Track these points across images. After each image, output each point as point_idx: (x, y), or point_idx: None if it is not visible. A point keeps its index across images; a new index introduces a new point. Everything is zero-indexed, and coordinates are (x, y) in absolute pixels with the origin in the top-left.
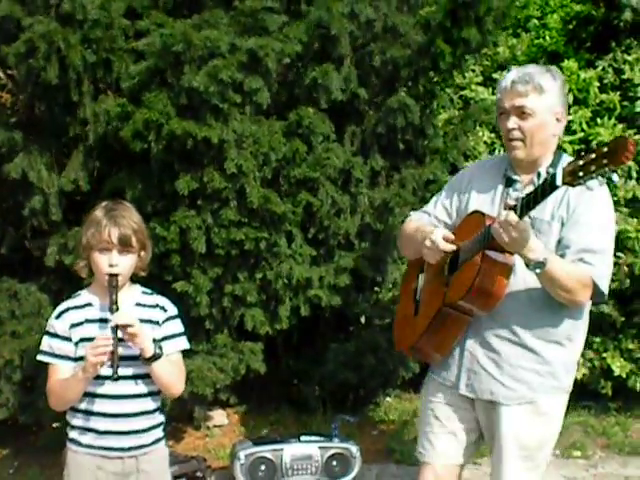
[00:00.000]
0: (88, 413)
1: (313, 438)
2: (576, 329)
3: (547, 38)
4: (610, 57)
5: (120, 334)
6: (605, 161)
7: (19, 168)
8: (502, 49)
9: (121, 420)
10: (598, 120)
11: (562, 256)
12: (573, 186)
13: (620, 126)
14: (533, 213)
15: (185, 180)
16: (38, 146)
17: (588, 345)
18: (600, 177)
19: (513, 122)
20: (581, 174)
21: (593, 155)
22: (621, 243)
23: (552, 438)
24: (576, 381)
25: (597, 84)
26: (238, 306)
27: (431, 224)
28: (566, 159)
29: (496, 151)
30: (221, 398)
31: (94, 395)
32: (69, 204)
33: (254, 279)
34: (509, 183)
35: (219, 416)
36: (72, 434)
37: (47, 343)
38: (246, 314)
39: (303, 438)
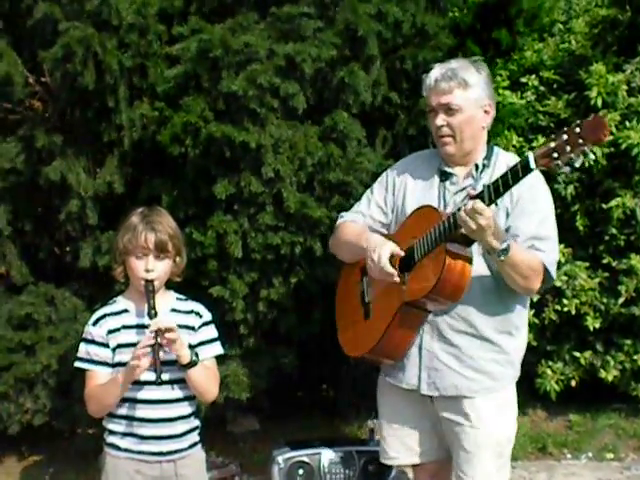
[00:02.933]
0: (130, 419)
1: (350, 442)
2: (522, 318)
3: (573, 42)
4: (637, 60)
5: (159, 339)
6: (581, 140)
7: (58, 171)
8: (529, 53)
9: (161, 425)
10: (627, 123)
11: None
12: (550, 168)
13: None
14: None
15: (223, 185)
16: (74, 150)
17: (618, 347)
18: (579, 157)
19: (441, 119)
20: (556, 155)
21: (565, 137)
22: None
23: (514, 431)
24: (607, 383)
25: (625, 87)
26: (272, 310)
27: (367, 226)
28: (499, 151)
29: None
30: (253, 403)
31: (135, 400)
32: (101, 209)
33: (289, 283)
34: (444, 177)
35: (251, 421)
36: (111, 439)
37: (84, 350)
38: (280, 318)
39: (340, 442)
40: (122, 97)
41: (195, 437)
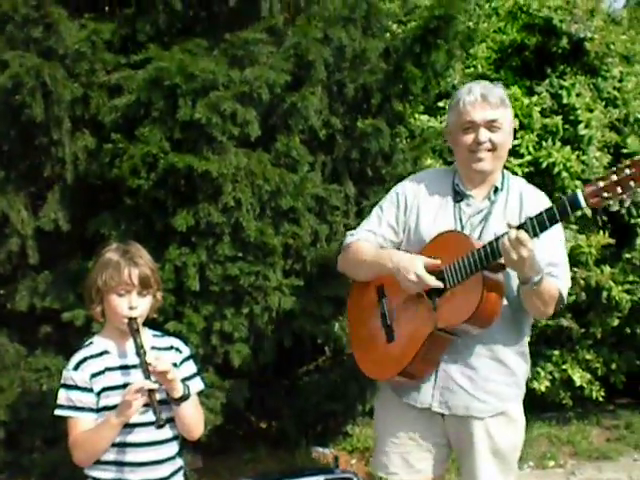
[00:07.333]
0: (119, 464)
1: (317, 471)
2: (527, 339)
3: (478, 67)
4: (546, 83)
5: (153, 378)
6: (632, 183)
7: None
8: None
9: (154, 467)
10: (543, 143)
11: None
12: (600, 207)
13: (567, 148)
14: (497, 230)
15: (182, 216)
16: (14, 186)
17: (547, 358)
18: (630, 197)
19: (484, 135)
20: (606, 195)
21: (614, 177)
22: (575, 259)
23: (521, 441)
24: (538, 394)
25: (538, 109)
26: (224, 343)
27: (379, 245)
28: (508, 174)
29: None
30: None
31: (125, 444)
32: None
33: (241, 314)
34: (460, 197)
35: (195, 459)
36: None
37: (65, 396)
38: (232, 351)
39: (307, 472)
40: (65, 129)
41: (180, 478)
